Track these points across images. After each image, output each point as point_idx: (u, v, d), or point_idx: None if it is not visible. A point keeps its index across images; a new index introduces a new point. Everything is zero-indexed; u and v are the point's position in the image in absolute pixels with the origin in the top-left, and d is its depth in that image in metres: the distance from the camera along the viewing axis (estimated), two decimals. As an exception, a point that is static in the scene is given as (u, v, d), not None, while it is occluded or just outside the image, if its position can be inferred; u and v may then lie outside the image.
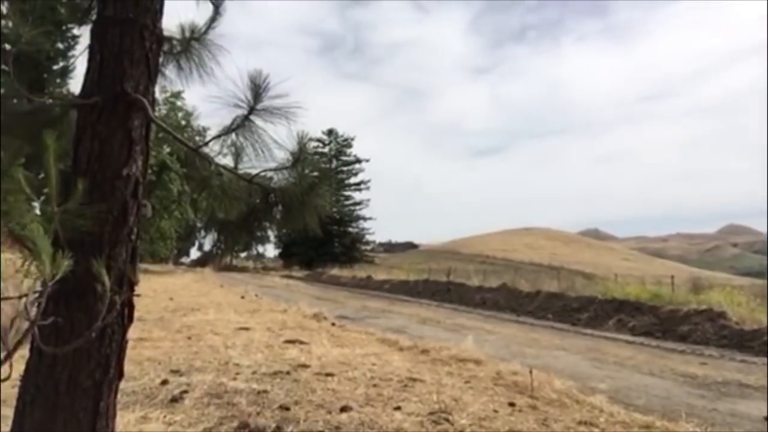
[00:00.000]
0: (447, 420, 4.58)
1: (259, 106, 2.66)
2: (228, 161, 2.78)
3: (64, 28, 12.84)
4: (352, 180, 68.29)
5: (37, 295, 1.71)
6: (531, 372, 5.93)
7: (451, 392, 5.57)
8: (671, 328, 12.94)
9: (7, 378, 1.67)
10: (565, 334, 12.84)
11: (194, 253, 70.88)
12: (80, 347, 2.09)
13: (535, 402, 5.35)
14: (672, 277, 19.01)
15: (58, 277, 1.68)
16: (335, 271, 46.34)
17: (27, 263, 3.66)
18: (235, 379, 5.74)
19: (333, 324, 11.36)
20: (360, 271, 44.20)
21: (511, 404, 5.22)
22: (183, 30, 2.91)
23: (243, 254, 73.80)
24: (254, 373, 6.07)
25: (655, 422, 4.92)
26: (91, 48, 2.31)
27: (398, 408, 4.88)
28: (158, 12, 2.41)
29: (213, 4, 2.92)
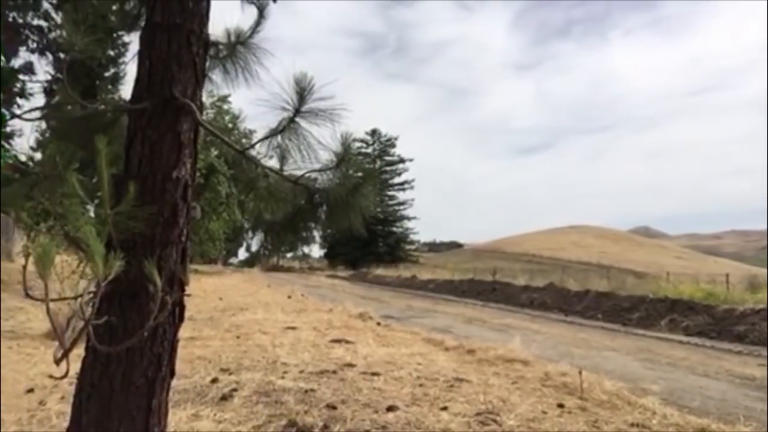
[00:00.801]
0: (494, 421, 4.53)
1: (303, 108, 2.68)
2: (274, 163, 2.81)
3: (114, 35, 13.21)
4: (396, 180, 68.42)
5: (91, 295, 1.76)
6: (580, 373, 5.82)
7: (498, 393, 5.51)
8: (727, 328, 12.53)
9: (65, 375, 1.73)
10: (615, 334, 12.57)
11: (242, 254, 71.95)
12: (133, 346, 2.14)
13: (585, 403, 5.24)
14: (727, 275, 18.41)
15: (111, 278, 1.73)
16: (380, 271, 46.47)
17: (82, 264, 3.78)
18: (282, 377, 5.80)
19: (378, 323, 11.39)
20: (404, 271, 44.22)
21: (560, 405, 5.13)
22: (229, 34, 2.96)
23: (289, 255, 74.64)
24: (301, 372, 6.13)
25: (710, 425, 4.77)
26: (141, 54, 2.36)
27: (445, 408, 4.86)
28: (204, 17, 2.45)
29: (257, 8, 2.96)
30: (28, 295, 1.76)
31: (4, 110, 14.72)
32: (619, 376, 6.59)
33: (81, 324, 1.77)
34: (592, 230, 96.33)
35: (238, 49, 2.95)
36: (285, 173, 2.83)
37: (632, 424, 4.67)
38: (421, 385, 5.71)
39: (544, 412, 4.90)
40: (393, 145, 69.04)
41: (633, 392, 5.74)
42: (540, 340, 10.56)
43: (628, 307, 15.99)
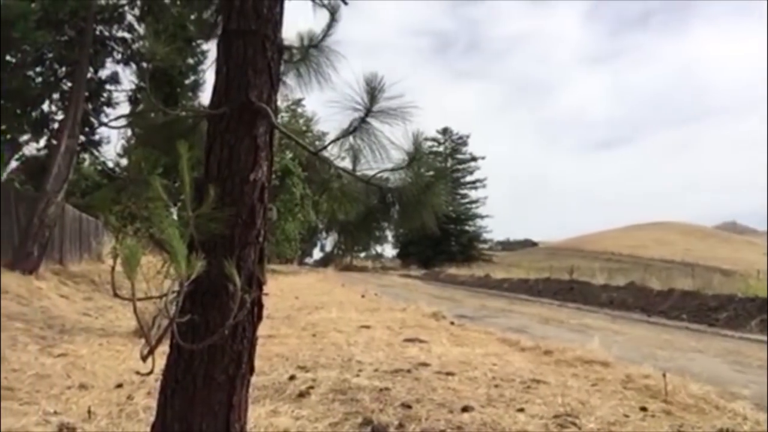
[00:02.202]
0: (573, 424, 4.41)
1: (375, 108, 2.70)
2: (346, 164, 2.84)
3: (193, 44, 13.74)
4: (468, 178, 67.93)
5: (175, 294, 1.83)
6: (664, 375, 5.59)
7: (577, 395, 5.36)
8: (825, 329, 11.76)
9: (151, 372, 1.80)
10: (701, 335, 12.02)
11: (317, 254, 73.32)
12: (215, 344, 2.21)
13: (670, 407, 5.02)
14: (823, 273, 17.26)
15: (193, 278, 1.79)
16: (452, 270, 46.22)
17: (166, 265, 3.94)
18: (357, 375, 5.85)
19: (452, 323, 11.33)
20: (478, 270, 43.80)
21: (643, 409, 4.94)
22: (301, 38, 3.01)
23: (362, 254, 75.38)
24: (376, 370, 6.17)
25: (809, 434, 4.48)
26: (218, 61, 2.44)
27: (521, 410, 4.77)
28: (278, 23, 2.51)
29: (329, 11, 3.00)
30: (116, 295, 1.85)
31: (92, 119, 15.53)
32: (706, 379, 6.27)
33: (166, 322, 1.84)
34: (675, 227, 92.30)
35: (311, 52, 3.00)
36: (357, 173, 2.86)
37: (721, 430, 4.44)
38: (496, 386, 5.64)
39: (626, 416, 4.73)
40: (465, 143, 68.62)
41: (721, 396, 5.46)
42: (621, 341, 10.22)
43: (715, 307, 15.25)
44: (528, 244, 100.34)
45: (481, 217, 68.92)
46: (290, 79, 3.03)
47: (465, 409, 4.67)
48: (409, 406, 4.73)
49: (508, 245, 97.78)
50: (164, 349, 2.42)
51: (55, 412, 4.22)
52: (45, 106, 14.87)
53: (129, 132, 15.04)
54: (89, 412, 4.18)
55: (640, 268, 32.42)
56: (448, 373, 6.11)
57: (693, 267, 31.49)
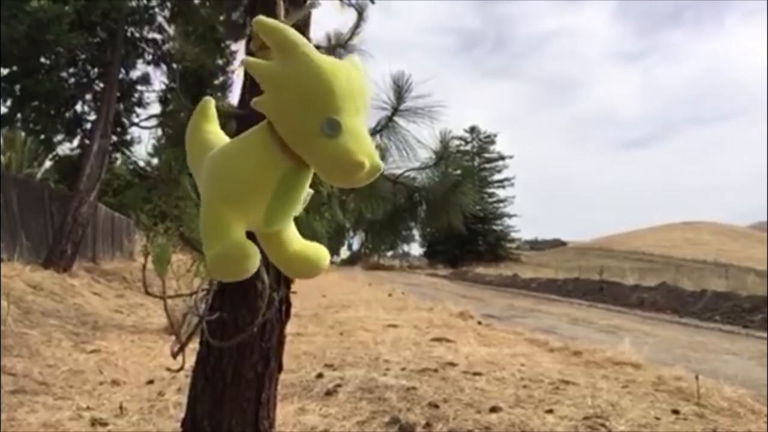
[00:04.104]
0: (603, 426, 4.36)
1: (402, 107, 2.70)
2: (373, 162, 2.85)
3: (222, 44, 13.87)
4: (496, 177, 67.34)
5: (205, 292, 1.86)
6: (697, 377, 5.48)
7: (607, 397, 5.29)
8: None
9: (181, 368, 1.83)
10: (735, 337, 11.76)
11: (344, 253, 73.47)
12: (244, 341, 2.23)
13: (703, 410, 4.93)
14: None
15: (222, 276, 1.81)
16: (480, 270, 45.94)
17: (196, 263, 3.99)
18: (385, 374, 5.86)
19: (479, 323, 11.26)
20: (505, 270, 43.48)
21: (675, 411, 4.85)
22: (329, 38, 3.02)
23: (389, 253, 75.29)
24: (403, 369, 6.17)
25: None
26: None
27: (550, 411, 4.72)
28: (306, 23, 2.52)
29: (356, 10, 3.00)
30: (147, 292, 1.88)
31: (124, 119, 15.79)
32: (740, 382, 6.14)
33: (196, 319, 1.87)
34: (708, 226, 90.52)
35: (338, 51, 3.01)
36: (384, 172, 2.85)
37: (756, 434, 4.34)
38: (525, 387, 5.59)
39: (657, 418, 4.66)
40: (492, 142, 68.08)
41: (757, 399, 5.33)
42: (652, 342, 10.05)
43: (750, 308, 14.90)
44: (557, 243, 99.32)
45: (509, 216, 68.39)
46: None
47: (493, 410, 4.64)
48: (437, 406, 4.71)
49: (536, 245, 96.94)
50: (194, 346, 2.45)
51: (88, 408, 4.30)
52: (78, 107, 15.17)
53: (159, 132, 15.30)
54: (121, 407, 4.26)
55: (671, 268, 31.89)
56: (476, 373, 6.08)
57: (726, 267, 30.87)
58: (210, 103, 1.14)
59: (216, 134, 1.10)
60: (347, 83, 0.85)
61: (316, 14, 2.56)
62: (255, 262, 0.90)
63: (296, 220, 1.05)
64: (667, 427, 4.46)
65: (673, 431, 4.38)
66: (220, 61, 14.64)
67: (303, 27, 2.48)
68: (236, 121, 2.49)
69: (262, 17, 0.87)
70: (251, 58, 0.89)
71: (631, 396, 5.39)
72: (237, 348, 2.29)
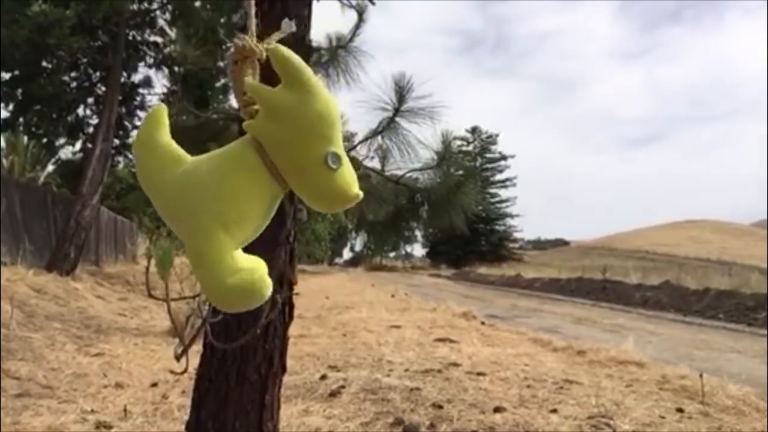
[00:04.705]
0: (608, 425, 4.35)
1: (403, 108, 2.70)
2: (375, 163, 2.85)
3: (224, 47, 13.87)
4: (498, 177, 67.41)
5: (208, 295, 1.86)
6: (701, 376, 5.47)
7: (611, 396, 5.28)
8: None
9: (185, 371, 1.83)
10: (739, 335, 11.74)
11: (346, 254, 73.55)
12: (247, 343, 2.23)
13: (707, 408, 4.92)
14: None
15: (225, 278, 1.81)
16: (483, 270, 45.94)
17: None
18: (388, 375, 5.85)
19: (482, 323, 11.25)
20: (508, 270, 43.48)
21: (679, 410, 4.84)
22: (330, 39, 3.03)
23: (392, 254, 75.37)
24: (406, 370, 6.16)
25: None
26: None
27: (554, 411, 4.71)
28: (307, 24, 2.52)
29: (357, 11, 3.01)
30: (150, 295, 1.87)
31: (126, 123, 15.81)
32: (745, 380, 6.13)
33: (199, 322, 1.87)
34: (710, 224, 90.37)
35: (339, 53, 3.01)
36: (386, 173, 2.86)
37: (761, 433, 4.33)
38: (528, 387, 5.58)
39: (662, 417, 4.65)
40: (494, 142, 68.13)
41: (761, 398, 5.31)
42: (656, 341, 10.04)
43: (754, 306, 14.87)
44: (559, 243, 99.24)
45: (512, 216, 68.45)
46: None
47: (497, 410, 4.64)
48: (441, 407, 4.71)
49: (539, 244, 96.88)
50: (198, 348, 2.45)
51: (92, 411, 4.31)
52: (80, 111, 15.24)
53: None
54: (125, 410, 4.26)
55: (674, 266, 31.83)
56: (480, 374, 6.07)
57: (730, 265, 30.84)
58: (164, 110, 1.05)
59: (172, 146, 1.00)
60: (337, 114, 0.88)
61: (316, 15, 2.57)
62: (270, 288, 0.88)
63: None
64: (671, 425, 4.45)
65: (677, 430, 4.37)
66: (221, 64, 14.63)
67: (304, 29, 2.48)
68: (238, 123, 2.49)
69: (279, 46, 0.89)
70: (255, 83, 0.90)
71: (636, 395, 5.38)
72: (240, 350, 2.29)
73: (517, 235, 71.64)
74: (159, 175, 0.95)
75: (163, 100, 15.59)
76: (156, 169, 0.96)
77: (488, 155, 67.44)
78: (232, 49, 0.95)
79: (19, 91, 13.51)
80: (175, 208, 0.92)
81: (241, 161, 0.90)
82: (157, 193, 0.96)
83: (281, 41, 0.96)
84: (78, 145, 16.16)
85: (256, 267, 0.87)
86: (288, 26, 1.00)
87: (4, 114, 13.96)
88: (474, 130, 67.15)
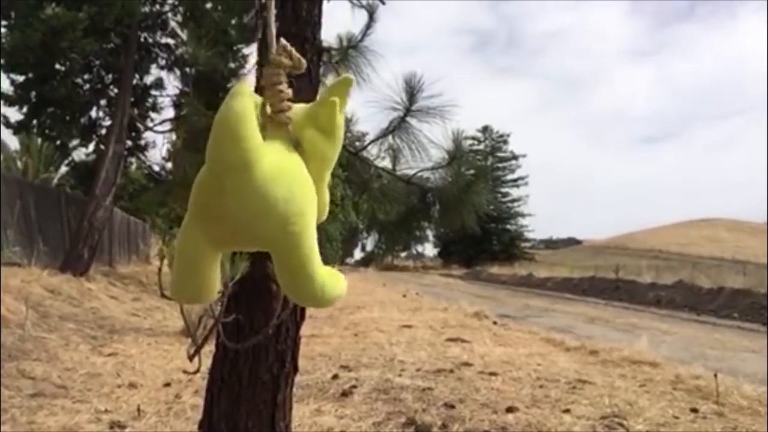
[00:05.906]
0: (621, 425, 4.32)
1: (414, 107, 2.70)
2: (386, 163, 2.85)
3: (234, 48, 13.94)
4: (509, 176, 67.15)
5: (219, 295, 1.86)
6: (716, 376, 5.42)
7: (624, 396, 5.24)
8: None
9: (197, 370, 1.84)
10: (754, 334, 11.63)
11: (357, 254, 73.58)
12: (259, 343, 2.24)
13: (722, 409, 4.87)
14: None
15: (237, 278, 1.82)
16: (494, 269, 45.79)
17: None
18: (400, 375, 5.85)
19: (494, 323, 11.22)
20: (520, 269, 43.31)
21: (694, 410, 4.80)
22: (340, 40, 3.03)
23: (403, 254, 75.31)
24: (418, 370, 6.16)
25: None
26: (258, 64, 2.47)
27: (567, 411, 4.69)
28: (317, 25, 2.52)
29: (367, 11, 3.00)
30: (163, 296, 1.89)
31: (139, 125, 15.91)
32: (760, 380, 6.07)
33: (211, 322, 1.88)
34: (725, 223, 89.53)
35: (350, 53, 3.01)
36: (397, 173, 2.86)
37: (777, 433, 4.29)
38: (541, 386, 5.56)
39: (676, 417, 4.61)
40: (505, 141, 67.88)
41: (777, 398, 5.27)
42: (669, 340, 9.97)
43: (769, 306, 14.74)
44: (572, 242, 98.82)
45: (523, 215, 68.16)
46: (330, 81, 3.05)
47: (509, 410, 4.62)
48: (453, 406, 4.70)
49: (551, 244, 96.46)
50: (210, 348, 2.47)
51: (106, 410, 4.34)
52: (93, 113, 15.32)
53: (174, 136, 15.43)
54: (138, 410, 4.29)
55: (688, 265, 31.59)
56: (492, 373, 6.05)
57: (744, 264, 30.53)
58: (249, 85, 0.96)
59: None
60: None
61: (326, 16, 2.57)
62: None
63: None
64: (686, 426, 4.42)
65: (692, 430, 4.33)
66: (232, 65, 14.70)
67: (314, 28, 2.48)
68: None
69: (338, 101, 0.95)
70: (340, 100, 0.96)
71: (649, 395, 5.34)
72: (253, 350, 2.30)
73: (528, 234, 71.37)
74: (253, 152, 0.87)
75: (174, 102, 15.69)
76: (255, 145, 0.88)
77: (499, 154, 67.18)
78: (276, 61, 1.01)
79: (33, 93, 13.63)
80: (276, 196, 0.87)
81: (300, 161, 0.95)
82: (247, 169, 0.87)
83: (291, 36, 0.99)
84: (91, 147, 16.27)
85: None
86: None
87: (19, 116, 14.09)
88: (485, 130, 66.94)
